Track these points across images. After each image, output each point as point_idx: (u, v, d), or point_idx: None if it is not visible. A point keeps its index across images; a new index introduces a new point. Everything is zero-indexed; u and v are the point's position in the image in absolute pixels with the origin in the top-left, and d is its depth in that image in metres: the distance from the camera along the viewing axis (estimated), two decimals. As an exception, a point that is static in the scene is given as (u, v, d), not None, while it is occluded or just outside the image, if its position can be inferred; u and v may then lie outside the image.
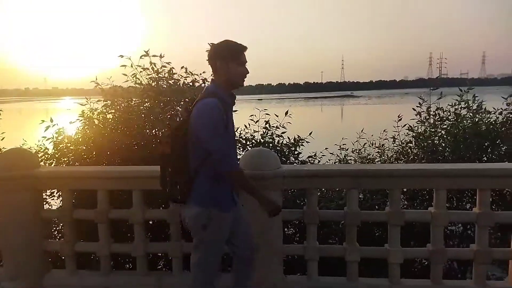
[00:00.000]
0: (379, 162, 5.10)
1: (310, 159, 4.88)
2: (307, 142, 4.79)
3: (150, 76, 4.33)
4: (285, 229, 4.10)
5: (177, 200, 2.27)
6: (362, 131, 5.65)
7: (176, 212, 2.97)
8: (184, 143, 2.18)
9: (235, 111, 4.39)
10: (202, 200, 2.20)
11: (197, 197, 2.21)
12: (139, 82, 4.32)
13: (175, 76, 4.50)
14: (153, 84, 4.32)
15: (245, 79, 2.27)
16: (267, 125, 4.59)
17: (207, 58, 2.25)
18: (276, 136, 4.60)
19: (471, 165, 3.45)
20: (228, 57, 2.19)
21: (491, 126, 4.59)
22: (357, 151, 5.48)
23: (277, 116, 4.67)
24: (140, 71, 4.30)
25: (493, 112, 4.88)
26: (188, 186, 2.20)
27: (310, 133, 4.91)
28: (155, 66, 4.30)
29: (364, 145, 5.44)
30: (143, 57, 4.22)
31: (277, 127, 4.63)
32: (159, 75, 4.30)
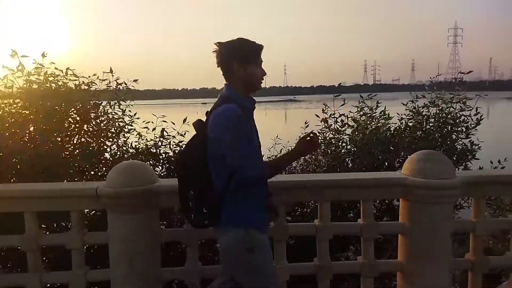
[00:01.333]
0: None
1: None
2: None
3: (27, 79, 3.80)
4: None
5: (204, 225, 2.03)
6: (277, 137, 5.47)
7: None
8: (203, 160, 1.93)
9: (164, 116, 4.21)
10: (238, 221, 1.95)
11: (230, 218, 1.95)
12: (10, 85, 3.78)
13: (60, 78, 3.99)
14: (33, 87, 3.81)
15: (262, 81, 2.09)
16: (164, 134, 4.21)
17: (218, 59, 1.99)
18: (175, 146, 4.17)
19: (353, 175, 3.39)
20: (246, 58, 1.97)
21: (388, 133, 4.58)
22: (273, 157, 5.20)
23: (174, 124, 4.27)
24: (13, 73, 3.76)
25: (397, 117, 4.81)
26: (217, 208, 1.94)
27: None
28: (24, 68, 3.78)
29: (280, 151, 5.18)
30: (13, 56, 3.68)
31: (175, 135, 4.22)
32: (30, 77, 3.79)
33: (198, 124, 2.00)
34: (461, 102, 4.71)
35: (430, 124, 4.64)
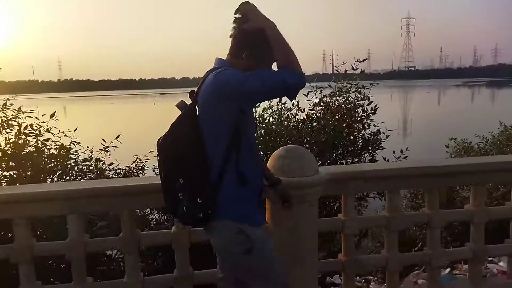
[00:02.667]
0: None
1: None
2: (114, 147, 4.19)
3: None
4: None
5: (197, 220, 1.67)
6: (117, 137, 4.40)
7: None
8: (196, 140, 1.62)
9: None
10: (234, 214, 1.66)
11: (226, 210, 1.65)
12: None
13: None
14: None
15: None
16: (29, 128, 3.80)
17: (244, 34, 1.68)
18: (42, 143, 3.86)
19: None
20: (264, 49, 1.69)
21: (291, 125, 4.49)
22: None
23: (38, 119, 3.86)
24: None
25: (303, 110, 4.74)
26: (213, 198, 1.63)
27: (117, 137, 4.26)
28: None
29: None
30: None
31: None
32: None
33: (183, 104, 1.71)
34: (357, 91, 4.66)
35: (338, 115, 4.50)
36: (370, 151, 4.74)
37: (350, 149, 4.64)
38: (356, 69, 4.87)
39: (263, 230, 1.87)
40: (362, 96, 4.75)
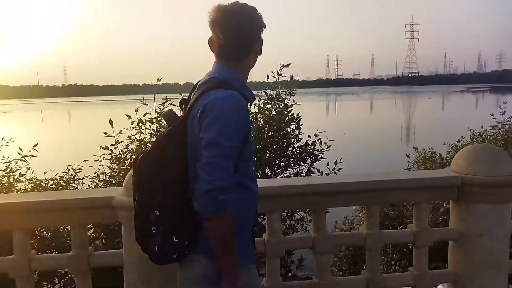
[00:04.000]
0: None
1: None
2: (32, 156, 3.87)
3: None
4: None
5: (170, 259, 1.43)
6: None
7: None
8: (180, 168, 1.38)
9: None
10: (209, 251, 1.38)
11: (206, 247, 1.39)
12: None
13: None
14: None
15: None
16: None
17: (229, 32, 1.42)
18: None
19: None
20: (261, 31, 1.49)
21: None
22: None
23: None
24: None
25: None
26: (192, 236, 1.41)
27: (35, 145, 3.88)
28: None
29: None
30: None
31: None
32: None
33: (171, 115, 1.47)
34: (279, 100, 4.39)
35: (274, 124, 4.24)
36: (307, 162, 4.56)
37: (278, 161, 4.47)
38: (280, 74, 4.61)
39: (252, 271, 1.55)
40: (285, 107, 4.53)
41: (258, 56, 1.55)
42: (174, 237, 1.39)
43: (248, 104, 1.52)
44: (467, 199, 2.27)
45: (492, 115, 5.71)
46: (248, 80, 1.59)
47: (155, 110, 4.19)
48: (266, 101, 4.49)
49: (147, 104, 4.25)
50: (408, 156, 5.87)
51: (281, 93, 4.56)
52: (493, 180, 2.16)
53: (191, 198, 1.37)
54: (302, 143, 4.65)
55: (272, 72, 4.66)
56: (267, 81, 4.73)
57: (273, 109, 4.49)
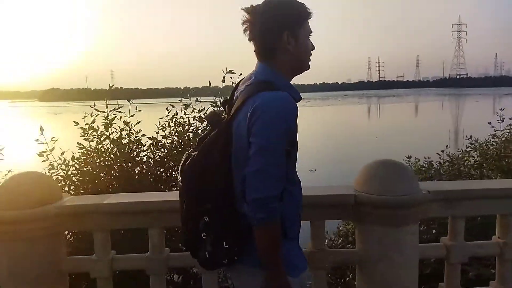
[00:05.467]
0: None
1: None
2: None
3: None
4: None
5: (221, 266, 1.45)
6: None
7: None
8: (226, 168, 1.39)
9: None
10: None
11: (256, 259, 1.38)
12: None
13: None
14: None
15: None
16: None
17: (257, 29, 1.42)
18: None
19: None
20: (298, 24, 1.43)
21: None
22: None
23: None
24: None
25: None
26: (242, 243, 1.40)
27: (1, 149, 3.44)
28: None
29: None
30: None
31: None
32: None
33: (214, 117, 1.46)
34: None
35: (191, 135, 4.04)
36: None
37: None
38: (224, 81, 4.04)
39: (302, 278, 1.50)
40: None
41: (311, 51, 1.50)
42: (224, 243, 1.38)
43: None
44: (363, 220, 2.01)
45: (489, 123, 4.74)
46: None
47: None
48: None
49: (173, 106, 4.14)
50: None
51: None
52: (384, 200, 1.87)
53: (237, 204, 1.38)
54: None
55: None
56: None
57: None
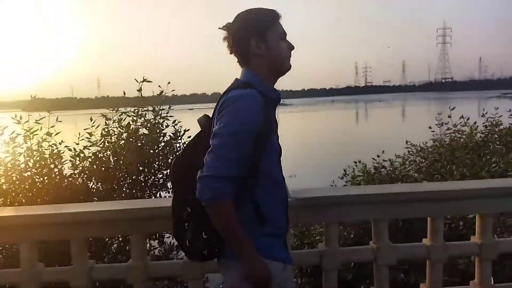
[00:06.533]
0: None
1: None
2: None
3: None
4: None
5: (202, 257, 1.49)
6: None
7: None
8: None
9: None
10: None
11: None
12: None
13: None
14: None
15: (290, 58, 1.57)
16: None
17: (230, 42, 1.53)
18: None
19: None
20: (264, 29, 1.49)
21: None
22: None
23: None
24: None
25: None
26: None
27: None
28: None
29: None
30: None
31: None
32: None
33: (204, 119, 1.56)
34: (160, 116, 4.24)
35: (143, 141, 4.04)
36: None
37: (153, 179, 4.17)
38: (140, 90, 4.16)
39: (288, 270, 1.50)
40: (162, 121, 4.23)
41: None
42: (203, 233, 1.43)
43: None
44: None
45: (430, 127, 4.88)
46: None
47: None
48: (132, 117, 4.11)
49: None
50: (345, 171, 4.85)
51: (159, 111, 4.24)
52: None
53: None
54: None
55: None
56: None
57: (140, 127, 4.16)
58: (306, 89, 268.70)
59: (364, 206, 2.07)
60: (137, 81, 4.15)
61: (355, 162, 4.78)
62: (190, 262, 2.04)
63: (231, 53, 1.55)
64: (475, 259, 2.20)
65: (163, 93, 4.39)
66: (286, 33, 1.54)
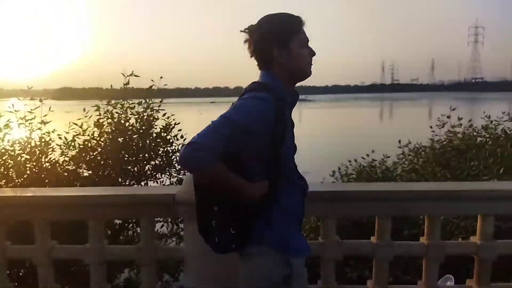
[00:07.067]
0: None
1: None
2: None
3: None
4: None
5: (230, 250, 1.55)
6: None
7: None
8: (237, 161, 1.48)
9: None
10: (274, 240, 1.52)
11: (263, 237, 1.52)
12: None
13: None
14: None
15: (312, 64, 1.60)
16: None
17: (252, 48, 1.56)
18: None
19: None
20: (288, 38, 1.52)
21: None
22: None
23: None
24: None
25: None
26: (248, 228, 1.51)
27: None
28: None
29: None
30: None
31: None
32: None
33: None
34: (150, 109, 4.50)
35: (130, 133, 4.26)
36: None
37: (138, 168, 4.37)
38: (127, 83, 4.53)
39: (303, 261, 1.60)
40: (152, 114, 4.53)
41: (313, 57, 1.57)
42: (231, 229, 1.49)
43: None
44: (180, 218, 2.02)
45: (431, 127, 4.83)
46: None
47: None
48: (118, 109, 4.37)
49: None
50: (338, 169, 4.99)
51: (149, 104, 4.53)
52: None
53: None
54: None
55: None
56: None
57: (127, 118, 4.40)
58: (330, 85, 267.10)
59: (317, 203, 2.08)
60: (124, 75, 4.41)
61: (349, 161, 4.90)
62: (145, 248, 2.16)
63: (251, 56, 1.57)
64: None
65: (154, 87, 4.73)
66: (308, 40, 1.57)
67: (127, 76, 4.39)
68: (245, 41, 1.57)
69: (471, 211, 2.37)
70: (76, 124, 4.17)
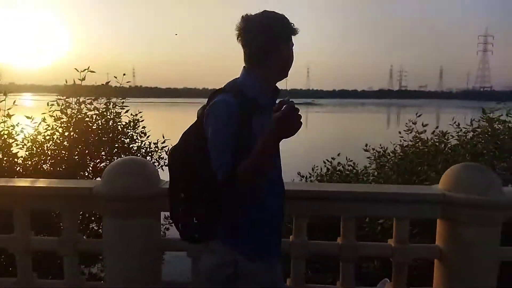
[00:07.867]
0: None
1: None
2: None
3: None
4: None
5: (193, 239, 1.57)
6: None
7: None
8: (202, 155, 1.50)
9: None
10: (229, 240, 1.54)
11: (222, 234, 1.54)
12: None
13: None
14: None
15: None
16: None
17: (250, 37, 1.54)
18: None
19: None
20: (285, 41, 1.56)
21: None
22: None
23: None
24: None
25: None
26: (211, 220, 1.51)
27: None
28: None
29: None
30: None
31: None
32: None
33: (200, 110, 1.63)
34: (117, 106, 4.75)
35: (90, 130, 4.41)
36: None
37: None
38: (82, 79, 4.53)
39: (264, 266, 1.57)
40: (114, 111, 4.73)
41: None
42: (194, 218, 1.51)
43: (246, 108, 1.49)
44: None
45: (399, 132, 4.97)
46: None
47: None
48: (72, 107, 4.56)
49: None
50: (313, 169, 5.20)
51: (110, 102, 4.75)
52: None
53: (210, 187, 1.46)
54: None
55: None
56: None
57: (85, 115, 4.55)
58: (337, 90, 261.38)
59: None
60: (78, 70, 4.49)
61: (328, 160, 5.01)
62: (66, 240, 2.26)
63: (245, 46, 1.56)
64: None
65: (115, 85, 5.00)
66: (293, 44, 1.61)
67: (81, 71, 4.53)
68: (239, 29, 1.54)
69: (387, 213, 2.47)
70: (28, 117, 4.32)
